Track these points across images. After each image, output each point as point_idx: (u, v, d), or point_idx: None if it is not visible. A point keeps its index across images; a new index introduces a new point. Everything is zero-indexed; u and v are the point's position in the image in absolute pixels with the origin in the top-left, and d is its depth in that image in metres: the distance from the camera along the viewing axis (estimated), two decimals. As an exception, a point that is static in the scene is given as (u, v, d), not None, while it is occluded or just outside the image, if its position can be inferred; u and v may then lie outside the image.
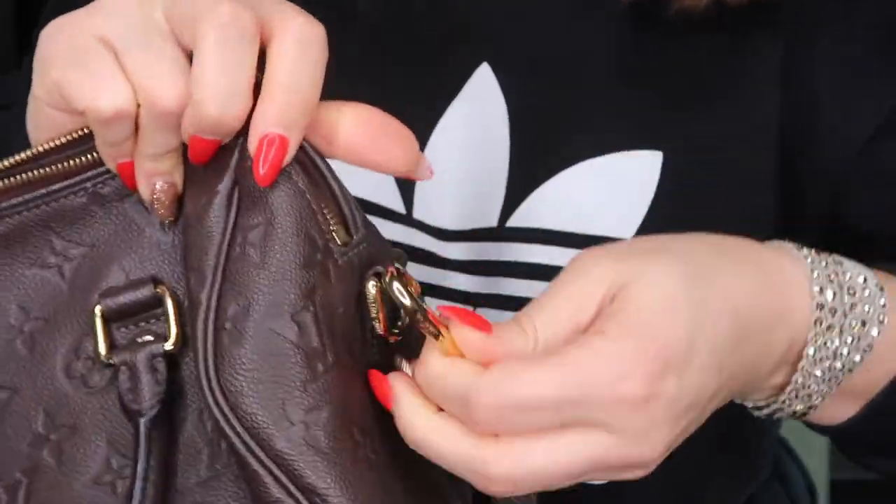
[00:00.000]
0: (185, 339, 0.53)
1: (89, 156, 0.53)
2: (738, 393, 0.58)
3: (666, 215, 0.72)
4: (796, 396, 0.60)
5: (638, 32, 0.73)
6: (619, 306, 0.51)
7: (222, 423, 0.50)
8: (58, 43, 0.50)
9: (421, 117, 0.72)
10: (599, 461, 0.51)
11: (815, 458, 1.49)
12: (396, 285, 0.52)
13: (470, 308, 0.73)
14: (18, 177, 0.53)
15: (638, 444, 0.51)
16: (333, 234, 0.52)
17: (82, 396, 0.53)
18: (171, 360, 0.52)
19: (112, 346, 0.53)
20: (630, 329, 0.51)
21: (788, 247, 0.59)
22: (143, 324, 0.53)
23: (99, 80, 0.49)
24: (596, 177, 0.72)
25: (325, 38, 0.50)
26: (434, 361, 0.51)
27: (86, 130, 0.52)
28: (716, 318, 0.53)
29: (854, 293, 0.59)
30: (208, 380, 0.50)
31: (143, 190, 0.52)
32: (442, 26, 0.76)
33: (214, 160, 0.51)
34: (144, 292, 0.53)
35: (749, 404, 0.61)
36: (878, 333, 0.59)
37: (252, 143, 0.50)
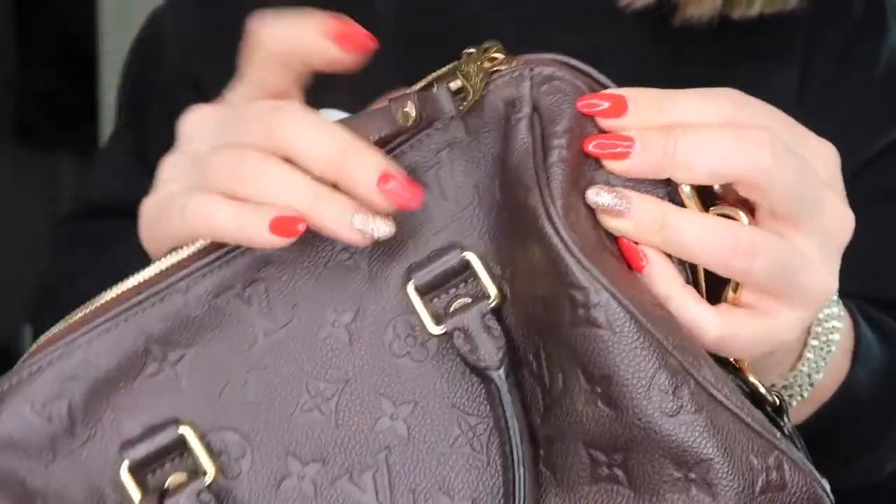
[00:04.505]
0: (503, 293, 0.54)
1: None
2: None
3: None
4: (798, 382, 0.63)
5: (654, 36, 0.74)
6: None
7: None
8: None
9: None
10: None
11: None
12: None
13: None
14: None
15: None
16: None
17: (413, 371, 0.54)
18: (497, 314, 0.53)
19: (435, 316, 0.54)
20: None
21: None
22: (451, 290, 0.54)
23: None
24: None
25: None
26: None
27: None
28: None
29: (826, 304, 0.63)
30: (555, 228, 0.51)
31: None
32: (456, 27, 0.77)
33: None
34: (452, 259, 0.54)
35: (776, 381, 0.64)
36: (836, 345, 0.63)
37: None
